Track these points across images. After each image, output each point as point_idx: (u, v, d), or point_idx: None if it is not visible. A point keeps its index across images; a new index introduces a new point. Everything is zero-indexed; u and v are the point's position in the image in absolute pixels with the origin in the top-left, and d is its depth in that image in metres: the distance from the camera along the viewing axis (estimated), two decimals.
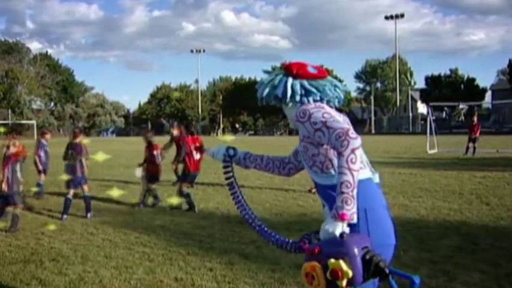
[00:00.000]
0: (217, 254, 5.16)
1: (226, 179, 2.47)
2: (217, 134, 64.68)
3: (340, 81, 2.34)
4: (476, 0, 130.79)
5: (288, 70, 2.26)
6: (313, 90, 2.20)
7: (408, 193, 9.07)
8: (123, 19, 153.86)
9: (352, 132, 1.90)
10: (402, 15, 66.53)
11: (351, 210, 1.86)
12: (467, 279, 4.13)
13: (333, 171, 2.11)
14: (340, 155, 1.89)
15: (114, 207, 8.33)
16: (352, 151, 1.87)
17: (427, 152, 20.05)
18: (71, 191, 7.39)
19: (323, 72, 2.27)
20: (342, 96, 2.29)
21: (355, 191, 1.87)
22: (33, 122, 66.82)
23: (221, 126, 74.11)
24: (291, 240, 2.16)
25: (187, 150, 8.14)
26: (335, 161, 2.07)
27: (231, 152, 2.53)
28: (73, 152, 7.52)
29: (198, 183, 10.65)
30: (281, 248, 2.19)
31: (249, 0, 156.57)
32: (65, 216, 7.24)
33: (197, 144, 7.66)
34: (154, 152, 8.61)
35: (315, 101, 2.19)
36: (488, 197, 8.44)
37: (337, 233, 1.84)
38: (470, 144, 18.78)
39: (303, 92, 2.20)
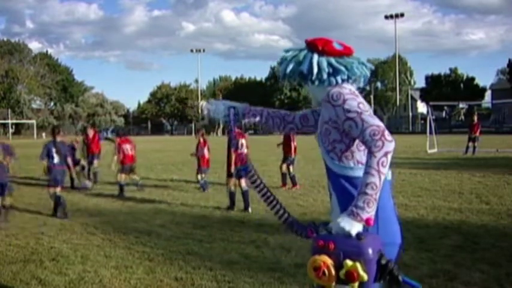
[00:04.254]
0: (217, 253, 5.16)
1: (236, 147, 2.38)
2: (217, 134, 64.61)
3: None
4: (475, 0, 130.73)
5: (313, 46, 2.11)
6: (342, 68, 2.07)
7: (408, 192, 9.07)
8: (123, 19, 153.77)
9: (388, 134, 1.82)
10: (402, 15, 66.35)
11: (371, 213, 1.81)
12: (467, 279, 4.13)
13: (351, 163, 2.03)
14: (371, 154, 1.81)
15: (114, 207, 8.33)
16: (385, 154, 1.80)
17: (427, 152, 20.03)
18: (58, 189, 7.59)
19: (349, 49, 2.14)
20: (368, 74, 2.17)
21: (378, 194, 1.81)
22: (33, 121, 66.85)
23: (221, 125, 74.08)
24: (299, 223, 2.06)
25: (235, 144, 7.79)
26: (356, 154, 2.02)
27: (234, 110, 2.35)
28: (59, 150, 7.62)
29: (197, 182, 10.67)
30: (290, 228, 2.08)
31: None
32: (69, 214, 7.42)
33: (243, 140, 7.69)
34: (205, 150, 10.16)
35: (342, 80, 2.09)
36: (488, 196, 8.44)
37: (354, 232, 1.79)
38: (470, 144, 18.77)
39: (331, 70, 2.07)
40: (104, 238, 5.97)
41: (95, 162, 11.91)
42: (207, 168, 10.21)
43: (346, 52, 2.13)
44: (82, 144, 12.15)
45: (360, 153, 2.02)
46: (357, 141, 2.01)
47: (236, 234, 5.98)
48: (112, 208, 8.23)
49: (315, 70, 2.07)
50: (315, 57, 2.09)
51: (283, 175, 10.31)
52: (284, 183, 10.25)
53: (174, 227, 6.53)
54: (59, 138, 7.84)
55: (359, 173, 1.96)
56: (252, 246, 5.39)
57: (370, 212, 1.80)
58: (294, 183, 10.16)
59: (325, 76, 2.08)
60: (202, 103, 2.45)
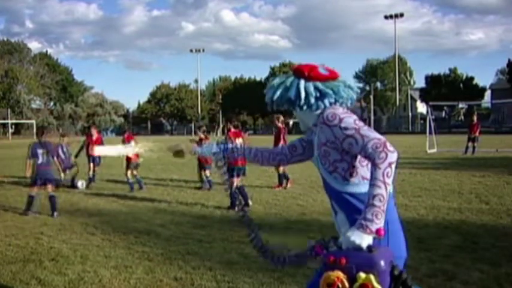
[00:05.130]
0: (216, 253, 5.17)
1: (226, 179, 2.46)
2: (216, 134, 64.62)
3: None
4: (474, 0, 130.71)
5: (299, 72, 2.16)
6: (329, 91, 2.11)
7: (408, 192, 9.07)
8: (123, 19, 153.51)
9: (389, 145, 1.85)
10: (401, 15, 66.35)
11: (380, 225, 1.81)
12: (466, 279, 4.13)
13: (357, 180, 2.05)
14: (376, 166, 1.84)
15: (113, 207, 8.33)
16: (389, 165, 1.83)
17: (427, 152, 20.04)
18: (49, 188, 7.66)
19: (334, 73, 2.19)
20: (355, 97, 2.20)
21: (385, 206, 1.83)
22: (33, 121, 66.84)
23: (220, 125, 74.06)
24: (301, 250, 2.09)
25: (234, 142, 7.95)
26: (360, 170, 2.04)
27: (222, 147, 2.50)
28: (44, 150, 7.67)
29: (197, 182, 10.68)
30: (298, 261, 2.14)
31: None
32: (30, 213, 7.53)
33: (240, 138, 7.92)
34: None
35: (330, 103, 2.12)
36: (487, 196, 8.45)
37: (364, 245, 1.79)
38: (470, 144, 18.78)
39: (318, 94, 2.11)
40: (104, 238, 5.97)
41: (96, 165, 11.79)
42: (210, 164, 10.30)
43: (332, 76, 2.17)
44: (82, 144, 12.07)
45: (363, 168, 2.04)
46: (358, 157, 2.02)
47: (236, 234, 5.97)
48: (111, 208, 8.23)
49: (303, 95, 2.10)
50: (302, 82, 2.12)
51: (280, 175, 10.34)
52: (280, 184, 10.28)
53: (173, 227, 6.53)
54: (44, 139, 7.87)
55: (365, 188, 1.97)
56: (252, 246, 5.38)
57: (379, 224, 1.81)
58: (286, 178, 10.25)
59: (312, 100, 2.11)
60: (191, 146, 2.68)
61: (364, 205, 1.90)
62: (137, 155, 10.42)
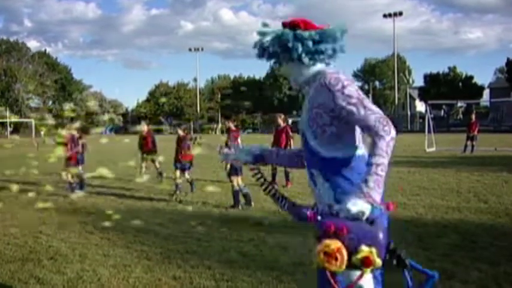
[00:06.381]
0: (215, 252, 5.17)
1: (261, 184, 2.38)
2: (215, 132, 64.57)
3: None
4: None
5: (294, 25, 2.07)
6: (327, 38, 2.05)
7: (406, 191, 9.07)
8: (121, 18, 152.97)
9: (390, 121, 1.90)
10: (400, 14, 66.18)
11: (380, 194, 1.80)
12: (465, 278, 4.14)
13: (340, 145, 2.05)
14: (380, 137, 1.86)
15: (112, 206, 8.32)
16: (392, 139, 1.88)
17: (425, 150, 20.06)
18: None
19: (327, 27, 2.12)
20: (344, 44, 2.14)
21: (384, 177, 1.84)
22: (31, 120, 66.77)
23: (219, 124, 73.97)
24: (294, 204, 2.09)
25: (235, 142, 8.09)
26: (345, 137, 2.04)
27: (257, 153, 2.47)
28: None
29: (200, 181, 10.66)
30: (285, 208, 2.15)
31: None
32: None
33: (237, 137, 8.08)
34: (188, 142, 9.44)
35: (328, 56, 2.08)
36: (486, 195, 8.45)
37: (367, 212, 1.74)
38: (469, 143, 18.82)
39: (317, 38, 2.04)
40: (102, 237, 5.96)
41: (157, 162, 11.61)
42: (188, 161, 9.65)
43: (327, 28, 2.12)
44: (139, 141, 11.63)
45: (349, 135, 2.05)
46: (347, 124, 2.01)
47: (234, 233, 5.98)
48: (110, 207, 8.22)
49: (300, 42, 2.03)
50: (298, 31, 2.06)
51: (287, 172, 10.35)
52: (287, 181, 10.29)
53: (172, 226, 6.53)
54: None
55: (349, 153, 2.02)
56: (251, 244, 5.39)
57: (380, 193, 1.81)
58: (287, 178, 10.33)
59: (310, 45, 2.03)
60: (221, 147, 2.58)
61: (348, 170, 1.96)
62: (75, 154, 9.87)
